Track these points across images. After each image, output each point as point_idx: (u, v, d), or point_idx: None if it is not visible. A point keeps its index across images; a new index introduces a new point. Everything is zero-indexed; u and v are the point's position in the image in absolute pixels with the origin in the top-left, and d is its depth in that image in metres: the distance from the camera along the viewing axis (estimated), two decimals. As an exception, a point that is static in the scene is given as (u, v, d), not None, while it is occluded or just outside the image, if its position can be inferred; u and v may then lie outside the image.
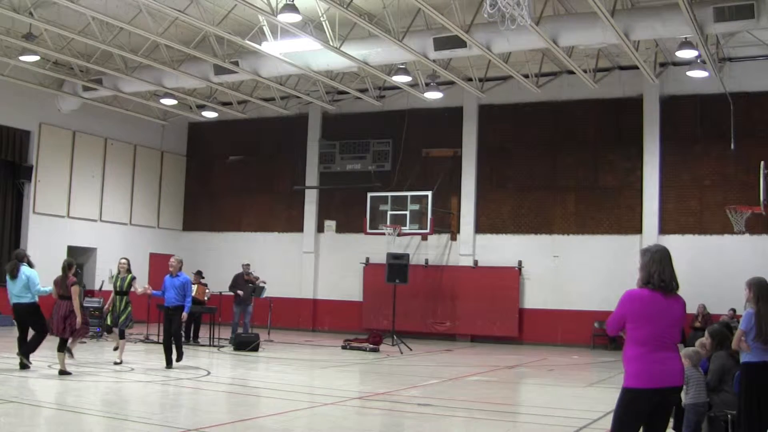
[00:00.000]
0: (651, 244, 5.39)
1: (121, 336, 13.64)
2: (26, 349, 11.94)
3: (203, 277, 20.12)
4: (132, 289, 13.82)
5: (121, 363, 13.32)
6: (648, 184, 21.16)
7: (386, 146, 24.29)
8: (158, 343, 17.08)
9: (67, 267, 11.94)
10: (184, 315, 13.72)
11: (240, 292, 19.43)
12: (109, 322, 13.65)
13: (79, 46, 19.55)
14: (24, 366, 11.88)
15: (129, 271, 13.77)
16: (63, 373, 11.61)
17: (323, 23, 16.85)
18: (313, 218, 25.38)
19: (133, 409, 9.59)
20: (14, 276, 11.95)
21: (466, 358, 18.73)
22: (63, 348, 11.70)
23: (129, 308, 13.63)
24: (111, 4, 16.66)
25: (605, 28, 15.59)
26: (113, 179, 25.17)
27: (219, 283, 20.61)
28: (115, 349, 13.73)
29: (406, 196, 22.01)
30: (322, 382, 13.43)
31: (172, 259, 14.05)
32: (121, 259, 14.08)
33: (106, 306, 13.85)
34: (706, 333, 7.86)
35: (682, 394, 7.28)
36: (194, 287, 19.38)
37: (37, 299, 12.08)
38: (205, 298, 19.50)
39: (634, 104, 21.51)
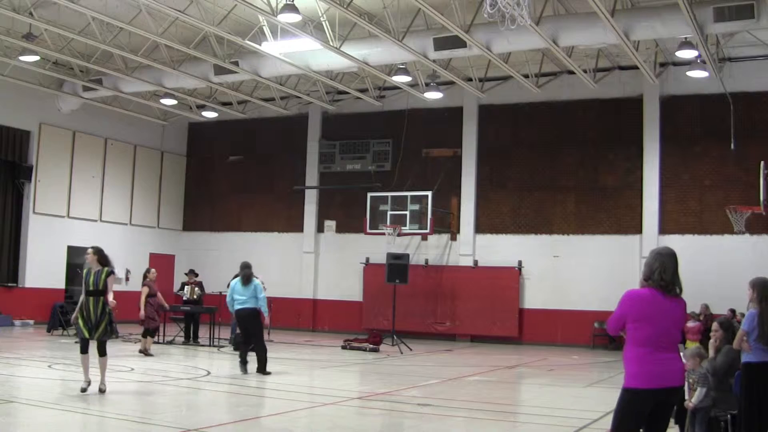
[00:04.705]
0: (661, 246, 5.37)
1: (101, 353, 10.01)
2: (261, 365, 13.13)
3: (197, 275, 19.95)
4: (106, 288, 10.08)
5: (104, 391, 9.96)
6: (648, 184, 21.16)
7: (386, 146, 24.29)
8: (159, 343, 17.12)
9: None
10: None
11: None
12: (86, 335, 9.92)
13: (79, 46, 19.55)
14: (243, 366, 13.00)
15: (102, 263, 10.10)
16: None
17: (323, 23, 16.85)
18: (313, 218, 25.37)
19: (133, 409, 9.58)
20: (246, 283, 13.24)
21: (466, 358, 18.71)
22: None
23: (108, 314, 10.01)
24: (111, 4, 16.67)
25: (605, 28, 15.59)
26: (113, 179, 25.17)
27: (218, 283, 20.57)
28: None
29: (406, 196, 22.00)
30: (322, 382, 13.44)
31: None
32: (88, 248, 10.31)
33: (74, 314, 10.18)
34: (716, 324, 7.62)
35: (692, 395, 7.25)
36: (187, 288, 19.36)
37: (257, 307, 13.26)
38: (194, 297, 19.03)
39: (634, 104, 21.50)
